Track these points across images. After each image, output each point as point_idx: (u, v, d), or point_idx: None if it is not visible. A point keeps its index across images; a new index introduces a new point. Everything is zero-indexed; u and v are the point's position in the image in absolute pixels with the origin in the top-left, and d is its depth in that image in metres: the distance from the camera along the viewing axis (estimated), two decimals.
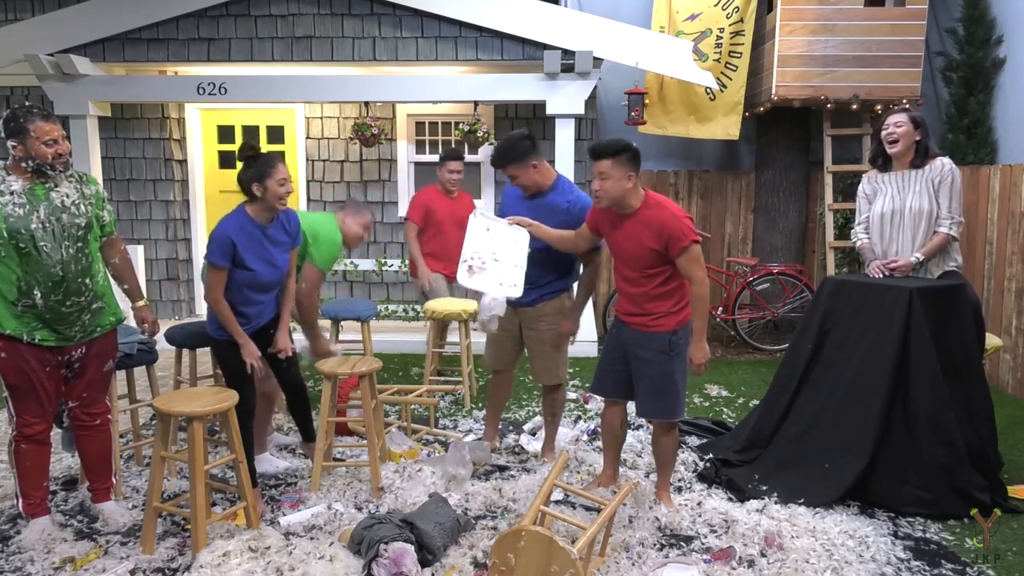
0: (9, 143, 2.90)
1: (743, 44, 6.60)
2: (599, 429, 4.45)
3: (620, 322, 3.35)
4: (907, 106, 3.92)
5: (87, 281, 3.04)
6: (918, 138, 3.75)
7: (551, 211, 3.62)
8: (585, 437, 4.35)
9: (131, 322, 3.41)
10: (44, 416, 3.05)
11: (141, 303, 3.35)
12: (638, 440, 4.25)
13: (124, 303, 3.33)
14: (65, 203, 2.98)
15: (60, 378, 3.09)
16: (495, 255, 3.50)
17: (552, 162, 6.55)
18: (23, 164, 2.92)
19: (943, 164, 3.74)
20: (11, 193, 2.89)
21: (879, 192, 3.90)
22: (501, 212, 3.79)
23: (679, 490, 3.60)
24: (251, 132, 7.26)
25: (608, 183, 3.14)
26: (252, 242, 3.23)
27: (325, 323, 5.04)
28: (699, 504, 3.45)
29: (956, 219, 3.71)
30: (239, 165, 3.29)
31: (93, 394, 3.20)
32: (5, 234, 2.85)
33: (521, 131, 3.66)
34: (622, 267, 3.28)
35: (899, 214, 3.78)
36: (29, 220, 2.88)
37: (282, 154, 7.24)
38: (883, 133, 3.81)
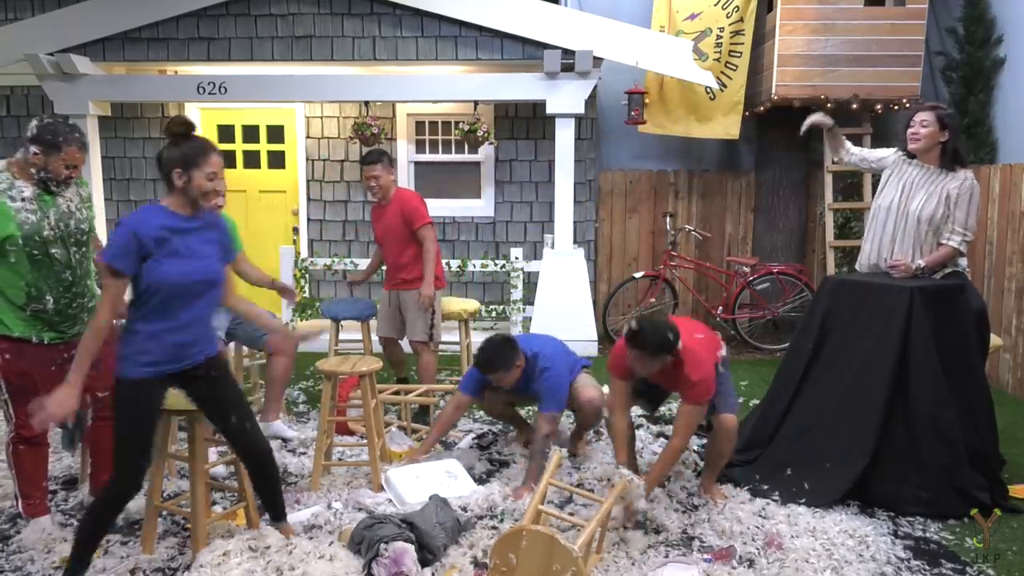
0: (32, 147, 2.90)
1: (743, 44, 6.60)
2: (600, 429, 4.46)
3: None
4: (938, 104, 3.85)
5: (88, 282, 3.09)
6: (944, 139, 3.62)
7: (530, 384, 3.74)
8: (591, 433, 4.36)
9: None
10: None
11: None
12: (639, 439, 4.24)
13: None
14: (70, 208, 3.02)
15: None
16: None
17: (552, 163, 6.58)
18: (32, 170, 2.93)
19: (965, 177, 3.62)
20: (23, 199, 2.90)
21: (893, 172, 3.79)
22: (473, 378, 3.84)
23: (682, 489, 3.61)
24: (251, 132, 7.26)
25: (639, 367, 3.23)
26: (171, 235, 2.55)
27: (325, 323, 5.05)
28: (698, 506, 3.45)
29: (967, 235, 3.63)
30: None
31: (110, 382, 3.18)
32: (20, 241, 2.86)
33: (501, 335, 3.78)
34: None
35: (902, 216, 3.70)
36: (42, 227, 2.91)
37: (282, 154, 7.26)
38: (909, 131, 3.69)
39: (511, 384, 3.74)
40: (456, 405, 3.88)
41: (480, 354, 3.71)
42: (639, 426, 4.46)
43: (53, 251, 2.94)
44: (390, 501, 3.47)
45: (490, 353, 3.69)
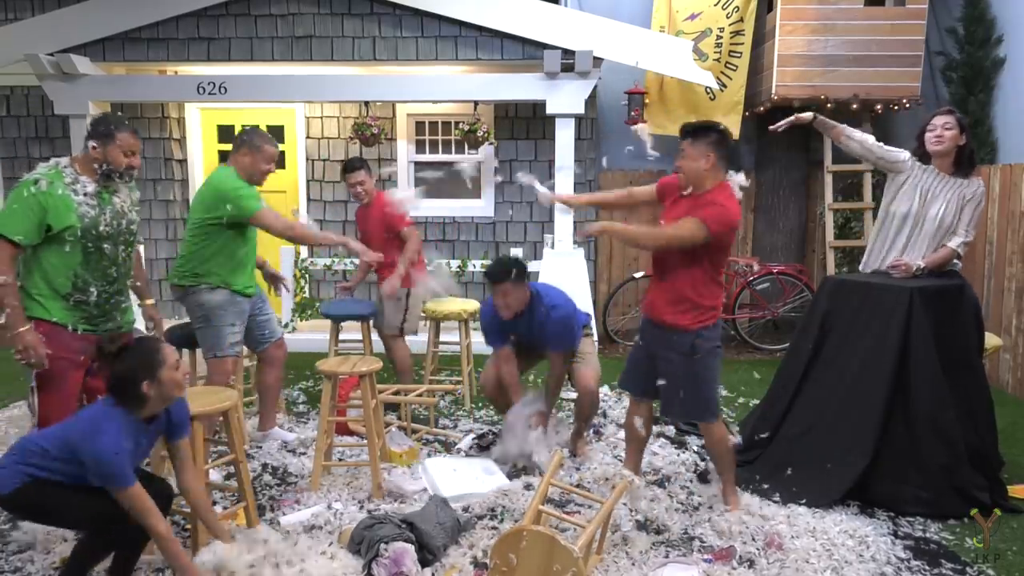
0: (90, 143, 3.08)
1: (743, 44, 6.59)
2: (600, 429, 4.46)
3: (647, 320, 3.32)
4: (951, 107, 3.84)
5: (127, 282, 3.29)
6: (962, 143, 3.62)
7: (532, 327, 3.85)
8: (590, 432, 4.35)
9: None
10: (65, 415, 3.07)
11: (150, 301, 3.58)
12: None
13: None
14: (124, 208, 3.19)
15: (88, 367, 3.13)
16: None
17: (552, 163, 6.57)
18: (94, 165, 3.08)
19: (980, 184, 3.65)
20: (85, 194, 3.05)
21: (908, 179, 3.73)
22: (493, 325, 3.93)
23: (682, 488, 3.61)
24: None
25: (686, 162, 3.16)
26: (135, 447, 2.49)
27: (325, 323, 5.04)
28: (698, 505, 3.45)
29: (967, 239, 3.65)
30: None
31: None
32: (79, 232, 3.01)
33: (508, 255, 3.85)
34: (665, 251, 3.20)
35: (919, 222, 3.69)
36: (99, 221, 3.07)
37: (282, 154, 7.26)
38: (929, 134, 3.64)
39: (517, 308, 3.77)
40: (505, 361, 3.93)
41: (490, 267, 3.82)
42: None
43: (105, 246, 3.10)
44: (425, 490, 3.52)
45: (500, 265, 3.77)
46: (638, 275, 6.74)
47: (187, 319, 3.96)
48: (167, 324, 4.42)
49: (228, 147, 7.12)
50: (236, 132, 7.14)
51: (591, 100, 6.45)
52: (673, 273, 3.12)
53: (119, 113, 3.25)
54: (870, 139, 3.87)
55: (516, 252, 6.63)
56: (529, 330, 3.86)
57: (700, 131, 3.18)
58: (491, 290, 3.80)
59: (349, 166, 4.70)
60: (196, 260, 3.72)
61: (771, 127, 3.95)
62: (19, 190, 2.97)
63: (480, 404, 4.96)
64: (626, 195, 3.53)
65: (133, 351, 2.48)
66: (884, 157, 3.82)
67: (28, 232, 2.94)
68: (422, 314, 4.89)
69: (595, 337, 4.10)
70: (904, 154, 3.79)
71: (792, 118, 3.87)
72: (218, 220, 3.67)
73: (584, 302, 6.28)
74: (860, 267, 4.05)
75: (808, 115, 3.86)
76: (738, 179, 3.18)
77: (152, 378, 2.43)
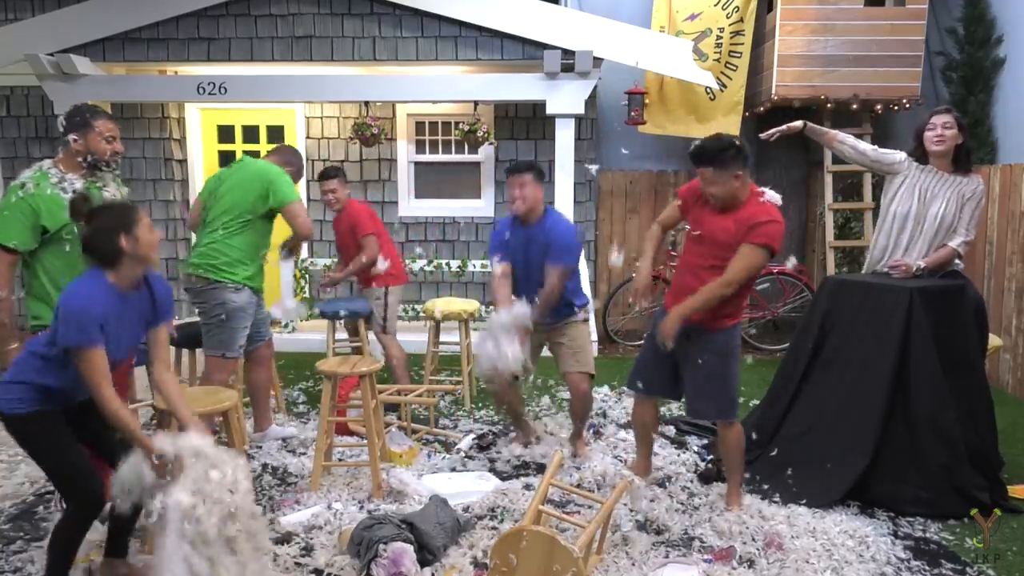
0: (70, 136, 3.08)
1: (743, 44, 6.60)
2: (600, 429, 4.46)
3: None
4: (948, 105, 3.83)
5: None
6: (960, 141, 3.64)
7: (538, 237, 3.80)
8: (590, 432, 4.35)
9: None
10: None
11: None
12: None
13: None
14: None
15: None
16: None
17: (552, 163, 6.57)
18: (79, 159, 3.09)
19: (979, 183, 3.67)
20: (74, 191, 3.03)
21: (907, 179, 3.73)
22: (499, 238, 3.94)
23: (683, 489, 3.60)
24: (251, 132, 7.26)
25: (716, 188, 3.08)
26: (116, 316, 2.46)
27: (323, 323, 5.04)
28: (698, 506, 3.45)
29: (968, 238, 3.66)
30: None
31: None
32: (76, 230, 2.98)
33: (530, 160, 4.05)
34: (699, 255, 3.19)
35: (920, 221, 3.69)
36: None
37: None
38: (930, 133, 3.65)
39: (531, 204, 3.75)
40: (502, 276, 3.86)
41: (516, 165, 3.86)
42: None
43: None
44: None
45: (524, 162, 3.87)
46: None
47: (188, 319, 3.96)
48: None
49: (228, 147, 7.22)
50: (236, 132, 7.22)
51: (591, 100, 6.44)
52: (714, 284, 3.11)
53: (97, 108, 3.23)
54: (863, 144, 3.88)
55: None
56: (530, 245, 3.79)
57: (718, 155, 3.03)
58: (511, 182, 3.78)
59: (323, 175, 4.86)
60: (225, 253, 3.70)
61: (762, 135, 3.93)
62: (7, 197, 2.98)
63: (480, 404, 4.96)
64: (661, 233, 3.49)
65: (109, 207, 2.58)
66: (879, 160, 3.82)
67: (22, 236, 2.94)
68: (423, 314, 4.90)
69: (592, 328, 4.04)
70: (899, 155, 3.79)
71: (783, 127, 3.84)
72: (261, 209, 3.74)
73: None
74: (864, 270, 4.04)
75: (798, 124, 3.85)
76: (775, 198, 3.14)
77: (128, 232, 2.43)
